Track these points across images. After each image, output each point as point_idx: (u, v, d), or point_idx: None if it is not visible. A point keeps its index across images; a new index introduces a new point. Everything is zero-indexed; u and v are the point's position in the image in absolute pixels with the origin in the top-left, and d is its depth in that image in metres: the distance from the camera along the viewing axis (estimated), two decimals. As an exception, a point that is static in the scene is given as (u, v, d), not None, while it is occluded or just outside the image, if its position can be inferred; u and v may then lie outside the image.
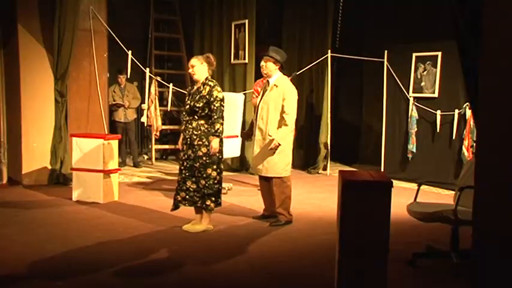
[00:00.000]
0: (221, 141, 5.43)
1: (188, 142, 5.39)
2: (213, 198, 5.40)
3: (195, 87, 5.46)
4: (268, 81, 5.86)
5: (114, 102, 9.28)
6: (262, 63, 5.98)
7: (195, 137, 5.34)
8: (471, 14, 3.41)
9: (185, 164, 5.43)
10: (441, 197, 7.27)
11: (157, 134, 9.60)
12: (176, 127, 10.87)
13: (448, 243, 4.49)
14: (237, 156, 7.99)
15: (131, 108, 9.54)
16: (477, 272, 2.86)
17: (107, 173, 6.66)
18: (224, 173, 8.83)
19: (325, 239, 5.29)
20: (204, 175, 5.34)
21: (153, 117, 9.24)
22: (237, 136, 7.50)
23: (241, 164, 9.29)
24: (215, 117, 5.30)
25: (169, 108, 9.78)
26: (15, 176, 7.78)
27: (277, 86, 5.71)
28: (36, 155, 7.61)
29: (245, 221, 5.91)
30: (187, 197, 5.44)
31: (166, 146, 10.86)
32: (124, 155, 9.70)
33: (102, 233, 5.31)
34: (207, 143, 5.31)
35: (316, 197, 7.02)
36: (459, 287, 4.06)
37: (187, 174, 5.41)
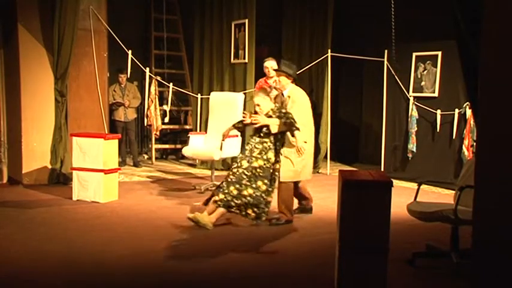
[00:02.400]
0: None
1: (248, 154, 5.58)
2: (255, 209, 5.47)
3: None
4: (282, 93, 5.98)
5: (114, 101, 9.28)
6: (275, 77, 6.26)
7: (256, 150, 5.55)
8: (471, 14, 3.41)
9: (235, 171, 5.51)
10: (441, 196, 7.27)
11: (157, 133, 9.61)
12: (176, 126, 10.88)
13: (448, 243, 4.50)
14: (237, 155, 7.98)
15: (131, 107, 9.53)
16: (477, 272, 2.86)
17: (107, 172, 6.67)
18: (224, 172, 8.91)
19: (325, 238, 5.29)
20: (254, 185, 5.39)
21: (153, 117, 9.25)
22: (237, 136, 7.51)
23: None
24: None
25: (169, 108, 9.78)
26: (16, 176, 7.78)
27: (290, 97, 5.84)
28: (36, 155, 7.61)
29: (245, 220, 5.89)
30: (225, 199, 5.44)
31: (167, 146, 10.86)
32: (124, 154, 9.70)
33: (102, 233, 5.31)
34: (265, 157, 5.50)
35: (316, 197, 7.00)
36: (459, 286, 4.06)
37: (233, 180, 5.46)
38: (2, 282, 4.01)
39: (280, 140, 5.63)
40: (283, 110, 5.61)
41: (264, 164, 5.48)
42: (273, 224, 5.73)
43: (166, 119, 9.62)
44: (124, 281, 4.13)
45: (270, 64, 7.07)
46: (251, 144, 5.63)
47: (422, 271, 4.43)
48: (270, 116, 5.60)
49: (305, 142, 5.74)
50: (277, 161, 5.58)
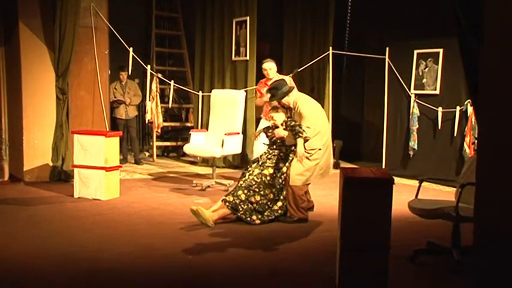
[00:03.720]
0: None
1: (261, 162, 5.83)
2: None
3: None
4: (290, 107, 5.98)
5: (115, 99, 9.28)
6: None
7: (268, 159, 5.79)
8: (472, 11, 3.40)
9: (246, 177, 5.77)
10: (442, 193, 7.26)
11: (159, 131, 9.61)
12: (177, 124, 10.88)
13: (449, 240, 4.49)
14: (238, 153, 7.99)
15: (132, 105, 9.53)
16: (478, 269, 2.86)
17: (108, 170, 6.67)
18: (225, 170, 8.94)
19: (326, 235, 5.29)
20: (262, 193, 5.63)
21: (154, 114, 9.24)
22: (238, 133, 7.50)
23: (242, 161, 9.28)
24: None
25: (170, 105, 9.78)
26: (17, 173, 7.79)
27: (294, 109, 5.82)
28: (37, 152, 7.62)
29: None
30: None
31: (168, 143, 10.86)
32: (125, 152, 9.70)
33: (104, 230, 5.32)
34: (276, 167, 5.71)
35: (318, 194, 7.01)
36: (460, 283, 4.06)
37: (243, 185, 5.70)
38: (3, 278, 4.01)
39: (294, 152, 5.67)
40: (292, 123, 5.63)
41: (274, 173, 5.66)
42: (285, 221, 5.72)
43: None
44: (125, 278, 4.14)
45: (269, 66, 6.98)
46: (266, 153, 5.85)
47: (424, 268, 4.43)
48: (285, 129, 5.74)
49: (319, 149, 5.66)
50: None
